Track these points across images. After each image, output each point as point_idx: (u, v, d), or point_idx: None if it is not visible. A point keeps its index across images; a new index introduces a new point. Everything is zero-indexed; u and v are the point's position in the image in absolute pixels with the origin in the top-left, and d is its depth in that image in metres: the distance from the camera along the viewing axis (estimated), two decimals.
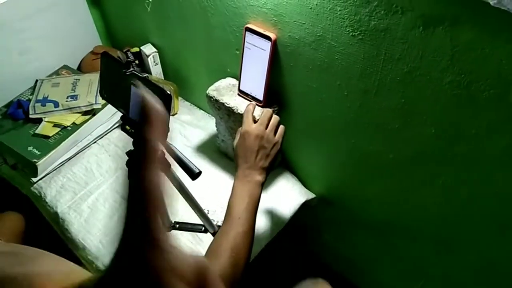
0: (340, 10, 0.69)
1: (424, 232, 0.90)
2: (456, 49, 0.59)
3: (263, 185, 0.80)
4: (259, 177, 0.79)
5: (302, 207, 1.06)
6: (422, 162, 0.78)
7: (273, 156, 0.83)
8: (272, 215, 1.03)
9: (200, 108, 1.31)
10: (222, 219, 0.99)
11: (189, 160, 0.68)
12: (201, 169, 0.68)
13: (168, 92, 0.58)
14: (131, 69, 0.61)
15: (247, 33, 0.86)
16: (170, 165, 0.73)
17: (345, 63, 0.75)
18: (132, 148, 0.71)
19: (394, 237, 1.00)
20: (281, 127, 0.87)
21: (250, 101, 0.93)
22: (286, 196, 1.06)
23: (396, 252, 1.04)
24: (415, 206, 0.87)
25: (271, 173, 1.09)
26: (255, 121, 0.86)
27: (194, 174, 0.67)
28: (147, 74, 0.58)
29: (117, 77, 0.64)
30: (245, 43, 0.88)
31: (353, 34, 0.70)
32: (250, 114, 0.87)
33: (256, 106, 0.91)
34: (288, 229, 1.04)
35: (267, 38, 0.83)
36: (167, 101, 0.58)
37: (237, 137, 0.86)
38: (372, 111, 0.78)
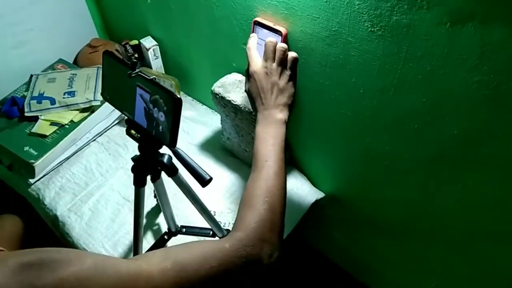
0: (358, 4, 0.64)
1: (438, 234, 0.87)
2: (486, 48, 0.55)
3: (287, 122, 0.74)
4: (280, 115, 0.73)
5: (312, 207, 1.03)
6: (441, 163, 0.74)
7: (290, 89, 0.77)
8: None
9: (203, 104, 1.27)
10: (230, 221, 0.96)
11: (200, 166, 0.64)
12: (211, 175, 0.65)
13: (178, 96, 0.53)
14: (137, 70, 0.56)
15: (256, 27, 0.81)
16: (177, 170, 0.69)
17: (362, 60, 0.71)
18: (138, 154, 0.67)
19: (407, 237, 0.97)
20: (291, 55, 0.78)
21: None
22: (295, 197, 1.03)
23: (408, 253, 1.01)
24: (429, 207, 0.84)
25: None
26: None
27: (204, 181, 0.63)
28: (154, 76, 0.54)
29: (121, 78, 0.59)
30: None
31: (372, 29, 0.65)
32: (253, 51, 0.79)
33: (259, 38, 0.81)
34: (297, 228, 1.01)
35: (277, 32, 0.78)
36: (177, 106, 0.54)
37: (246, 79, 0.79)
38: (389, 110, 0.74)
